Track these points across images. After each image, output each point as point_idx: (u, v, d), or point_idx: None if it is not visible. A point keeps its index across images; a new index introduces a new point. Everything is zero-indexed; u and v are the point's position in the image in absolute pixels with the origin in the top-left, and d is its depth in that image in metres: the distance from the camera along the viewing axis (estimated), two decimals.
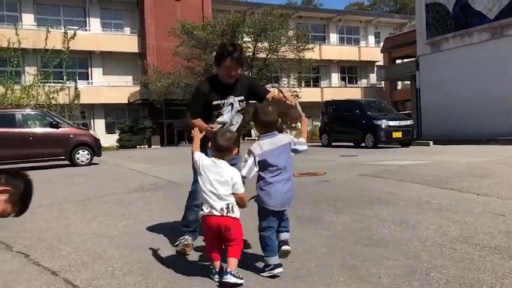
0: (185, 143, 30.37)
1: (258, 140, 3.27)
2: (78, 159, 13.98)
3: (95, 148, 14.45)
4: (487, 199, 5.38)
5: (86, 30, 33.91)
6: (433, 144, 17.31)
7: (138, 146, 31.15)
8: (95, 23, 34.36)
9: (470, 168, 8.52)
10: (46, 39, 30.08)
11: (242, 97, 3.84)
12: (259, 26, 29.04)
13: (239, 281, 2.88)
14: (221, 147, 3.05)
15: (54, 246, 4.04)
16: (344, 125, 19.06)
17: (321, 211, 5.02)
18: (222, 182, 2.95)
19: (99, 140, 14.91)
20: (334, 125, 19.67)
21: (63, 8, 33.55)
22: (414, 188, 6.48)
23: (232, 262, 2.90)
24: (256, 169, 3.13)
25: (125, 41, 34.77)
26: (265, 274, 3.06)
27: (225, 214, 2.90)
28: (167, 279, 3.07)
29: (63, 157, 13.96)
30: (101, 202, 6.47)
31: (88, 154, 14.20)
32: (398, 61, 35.98)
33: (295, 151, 3.26)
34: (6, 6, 31.70)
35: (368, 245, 3.62)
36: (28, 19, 32.09)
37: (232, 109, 3.80)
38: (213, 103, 3.74)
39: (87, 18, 34.29)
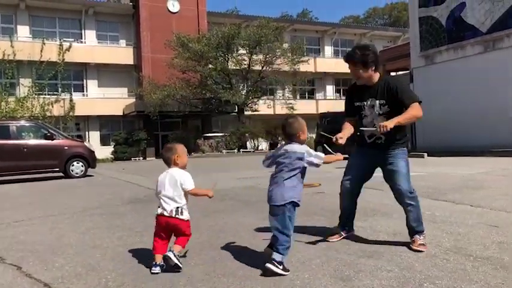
0: None
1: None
2: (72, 171, 13.94)
3: (90, 160, 14.41)
4: (481, 210, 5.41)
5: (81, 42, 34.02)
6: (428, 156, 17.33)
7: (133, 158, 31.11)
8: (90, 35, 34.45)
9: (464, 179, 8.56)
10: (41, 51, 30.19)
11: (384, 101, 3.87)
12: (254, 38, 29.22)
13: (178, 264, 3.31)
14: (164, 159, 3.61)
15: (47, 258, 4.02)
16: None
17: (316, 222, 5.03)
18: (172, 185, 3.44)
19: (93, 151, 14.87)
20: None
21: (59, 20, 33.63)
22: None
23: (177, 247, 3.39)
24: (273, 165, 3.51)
25: (120, 53, 34.88)
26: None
27: (173, 215, 3.39)
28: None
29: (57, 169, 13.92)
30: (95, 214, 6.45)
31: (83, 166, 14.16)
32: (392, 73, 36.10)
33: (311, 163, 3.42)
34: (2, 18, 31.75)
35: (362, 256, 3.62)
36: (23, 31, 32.12)
37: (373, 112, 3.92)
38: (355, 104, 4.05)
39: (83, 31, 34.38)
